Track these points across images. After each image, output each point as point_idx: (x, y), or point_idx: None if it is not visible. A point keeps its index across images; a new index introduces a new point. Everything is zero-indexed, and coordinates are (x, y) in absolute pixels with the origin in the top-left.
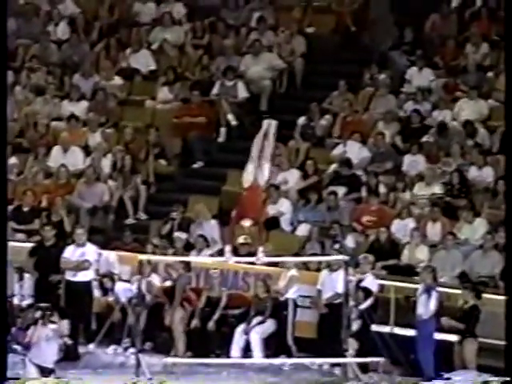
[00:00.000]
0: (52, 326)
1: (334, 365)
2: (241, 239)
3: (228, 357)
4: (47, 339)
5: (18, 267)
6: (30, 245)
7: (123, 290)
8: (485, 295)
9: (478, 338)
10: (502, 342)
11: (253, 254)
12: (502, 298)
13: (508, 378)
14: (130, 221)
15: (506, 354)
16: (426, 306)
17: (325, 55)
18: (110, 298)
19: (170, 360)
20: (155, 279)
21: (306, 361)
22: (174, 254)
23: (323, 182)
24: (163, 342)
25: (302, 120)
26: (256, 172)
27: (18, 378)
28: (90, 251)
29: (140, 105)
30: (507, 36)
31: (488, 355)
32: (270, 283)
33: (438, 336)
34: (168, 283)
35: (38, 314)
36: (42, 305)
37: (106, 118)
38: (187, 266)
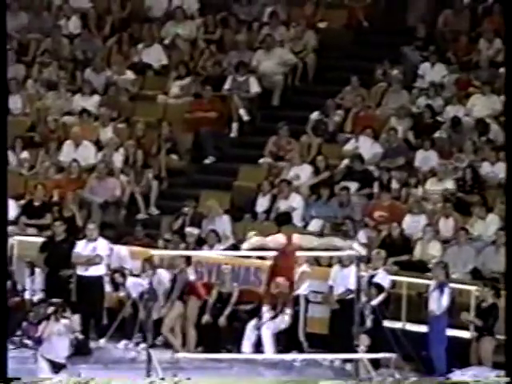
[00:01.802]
0: (64, 322)
1: (345, 361)
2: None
3: (239, 352)
4: (59, 334)
5: (28, 262)
6: (41, 239)
7: (134, 285)
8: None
9: (495, 336)
10: None
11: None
12: None
13: (508, 379)
14: (141, 216)
15: (507, 350)
16: (439, 302)
17: (337, 50)
18: (122, 293)
19: (180, 355)
20: (164, 274)
21: (318, 357)
22: (186, 249)
23: (335, 178)
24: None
25: (314, 115)
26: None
27: (18, 379)
28: (102, 246)
29: (152, 100)
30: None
31: (501, 351)
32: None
33: (450, 332)
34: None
35: (51, 309)
36: (55, 300)
37: (117, 112)
38: (188, 260)
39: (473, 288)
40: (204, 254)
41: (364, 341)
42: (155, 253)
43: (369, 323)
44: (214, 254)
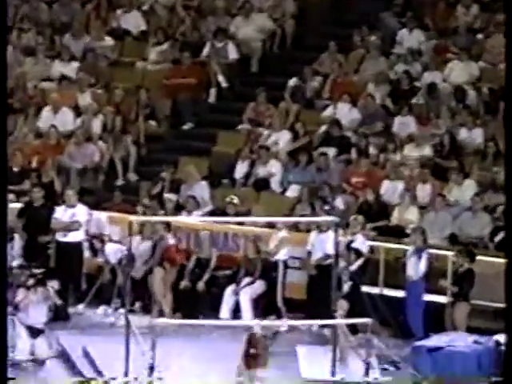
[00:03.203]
0: (42, 291)
1: (323, 326)
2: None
3: (217, 318)
4: (37, 303)
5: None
6: (19, 205)
7: (113, 251)
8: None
9: (470, 301)
10: (491, 304)
11: (240, 214)
12: (491, 259)
13: (500, 379)
14: (120, 182)
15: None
16: (416, 268)
17: (315, 17)
18: (100, 259)
19: (159, 321)
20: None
21: (297, 323)
22: (165, 215)
23: (313, 144)
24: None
25: (292, 81)
26: None
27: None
28: (81, 212)
29: (130, 66)
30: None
31: (476, 316)
32: (259, 244)
33: (428, 297)
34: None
35: (31, 281)
36: (36, 271)
37: (96, 78)
38: (168, 226)
39: (450, 253)
40: (183, 219)
41: (342, 306)
42: (134, 218)
43: (346, 288)
44: (192, 219)
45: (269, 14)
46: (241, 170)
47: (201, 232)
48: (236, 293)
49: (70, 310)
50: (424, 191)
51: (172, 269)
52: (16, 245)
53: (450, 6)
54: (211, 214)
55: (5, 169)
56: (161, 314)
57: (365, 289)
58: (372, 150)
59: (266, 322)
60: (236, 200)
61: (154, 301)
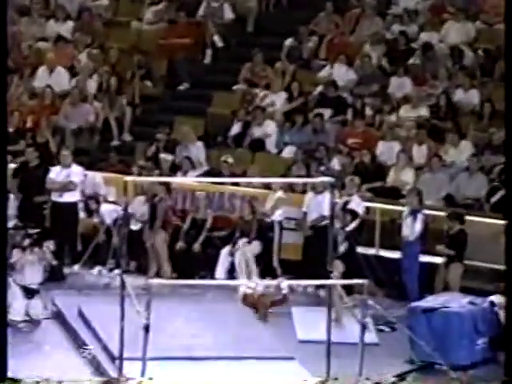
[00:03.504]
0: (38, 250)
1: (318, 287)
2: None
3: (213, 278)
4: (32, 263)
5: None
6: (14, 166)
7: (108, 212)
8: (470, 218)
9: (464, 262)
10: (487, 265)
11: (236, 175)
12: (487, 220)
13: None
14: (115, 142)
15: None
16: (412, 228)
17: None
18: (96, 220)
19: (154, 281)
20: (139, 201)
21: (293, 283)
22: (160, 176)
23: (309, 104)
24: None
25: (288, 42)
26: None
27: (16, 380)
28: (76, 172)
29: (126, 26)
30: None
31: (471, 277)
32: (255, 205)
33: (423, 258)
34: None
35: (27, 242)
36: (31, 232)
37: (91, 38)
38: (168, 188)
39: (446, 214)
40: (178, 180)
41: (338, 267)
42: (129, 179)
43: (342, 249)
44: (188, 180)
45: None
46: (236, 130)
47: (197, 192)
48: (232, 254)
49: (66, 270)
50: (420, 152)
51: (168, 230)
52: (11, 205)
53: None
54: (207, 174)
55: (5, 129)
56: (157, 274)
57: (360, 250)
58: (368, 111)
59: (261, 282)
60: (231, 160)
61: (152, 262)
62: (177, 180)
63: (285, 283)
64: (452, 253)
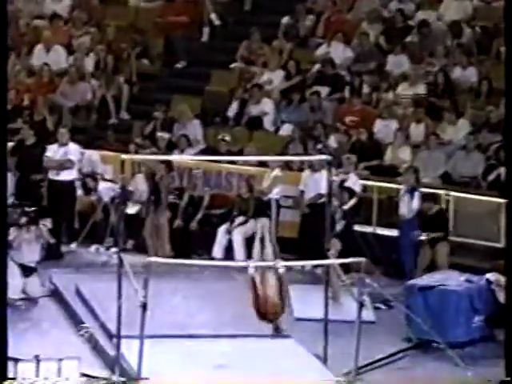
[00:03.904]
0: (35, 228)
1: (316, 265)
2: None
3: (210, 256)
4: (29, 242)
5: None
6: (11, 144)
7: (106, 190)
8: (467, 195)
9: (449, 239)
10: (483, 242)
11: (233, 153)
12: (484, 198)
13: (508, 379)
14: (112, 120)
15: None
16: (409, 206)
17: None
18: (93, 198)
19: (152, 259)
20: (139, 179)
21: (290, 263)
22: (157, 154)
23: (306, 82)
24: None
25: (285, 20)
26: None
27: (14, 379)
28: (73, 150)
29: (123, 3)
30: None
31: (467, 255)
32: (253, 183)
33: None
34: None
35: (24, 219)
36: (28, 209)
37: (88, 16)
38: (169, 166)
39: (443, 192)
40: (175, 158)
41: (335, 245)
42: (126, 157)
43: (339, 228)
44: (185, 158)
45: None
46: (234, 108)
47: (194, 170)
48: (229, 232)
49: (63, 248)
50: (417, 130)
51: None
52: (8, 183)
53: None
54: (204, 152)
55: (5, 107)
56: (155, 253)
57: (358, 228)
58: (365, 89)
59: (257, 264)
60: (228, 137)
61: (152, 240)
62: (174, 158)
63: (281, 263)
64: (439, 235)
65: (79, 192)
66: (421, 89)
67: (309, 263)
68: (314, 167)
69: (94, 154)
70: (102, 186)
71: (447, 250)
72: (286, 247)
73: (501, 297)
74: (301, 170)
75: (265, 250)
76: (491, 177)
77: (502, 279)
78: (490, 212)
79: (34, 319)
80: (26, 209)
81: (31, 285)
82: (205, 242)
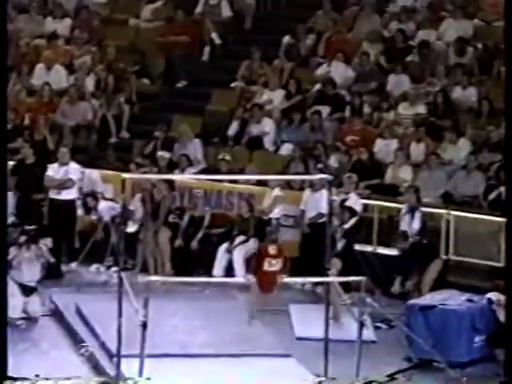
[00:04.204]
0: (35, 249)
1: (316, 284)
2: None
3: (210, 275)
4: (29, 261)
5: None
6: (11, 163)
7: (106, 209)
8: (468, 215)
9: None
10: (484, 262)
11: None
12: (485, 217)
13: (508, 378)
14: (113, 140)
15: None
16: (410, 226)
17: None
18: (94, 217)
19: (152, 278)
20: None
21: (290, 280)
22: (158, 173)
23: (307, 102)
24: (145, 260)
25: (286, 39)
26: None
27: (15, 378)
28: (74, 170)
29: (123, 23)
30: None
31: (468, 274)
32: (253, 203)
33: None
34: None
35: (23, 238)
36: (28, 228)
37: (89, 36)
38: (171, 186)
39: (444, 211)
40: (176, 177)
41: (336, 264)
42: (127, 176)
43: (340, 247)
44: (185, 177)
45: None
46: (234, 128)
47: (194, 190)
48: (229, 251)
49: (63, 267)
50: (418, 150)
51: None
52: (9, 203)
53: None
54: (204, 172)
55: (5, 127)
56: (155, 272)
57: (358, 247)
58: (366, 109)
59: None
60: (228, 157)
61: (152, 259)
62: (175, 177)
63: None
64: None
65: (80, 211)
66: (421, 108)
67: (309, 280)
68: (314, 186)
69: (94, 173)
70: (103, 205)
71: (439, 268)
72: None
73: (502, 316)
74: (301, 189)
75: None
76: (492, 196)
77: (503, 299)
78: (490, 232)
79: (33, 339)
80: (26, 227)
81: (31, 304)
82: (205, 261)
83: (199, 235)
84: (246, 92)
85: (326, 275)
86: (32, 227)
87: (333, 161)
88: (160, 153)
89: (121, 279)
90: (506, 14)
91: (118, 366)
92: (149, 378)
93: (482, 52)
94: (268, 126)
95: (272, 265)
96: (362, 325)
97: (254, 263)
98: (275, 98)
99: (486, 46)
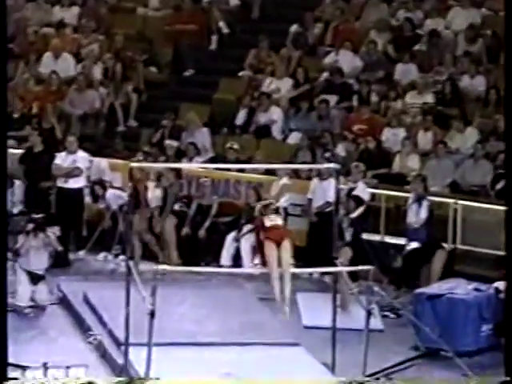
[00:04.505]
0: (42, 237)
1: (324, 273)
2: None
3: (218, 264)
4: (37, 249)
5: (8, 174)
6: (20, 151)
7: (114, 197)
8: (475, 204)
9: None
10: (491, 251)
11: (241, 162)
12: (492, 206)
13: (508, 378)
14: (120, 128)
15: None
16: (417, 215)
17: None
18: (101, 205)
19: (160, 267)
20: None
21: (297, 271)
22: (165, 162)
23: (315, 91)
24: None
25: (294, 28)
26: None
27: (16, 378)
28: (81, 158)
29: (131, 12)
30: None
31: (476, 263)
32: (261, 191)
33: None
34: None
35: (30, 226)
36: (35, 216)
37: (97, 24)
38: (178, 174)
39: (451, 201)
40: (183, 166)
41: (346, 254)
42: (134, 165)
43: (347, 236)
44: (193, 166)
45: None
46: (242, 117)
47: (202, 179)
48: (237, 239)
49: (71, 256)
50: (425, 139)
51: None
52: (17, 191)
53: None
54: (212, 160)
55: (5, 115)
56: (163, 260)
57: (366, 236)
58: (373, 98)
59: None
60: (236, 145)
61: (159, 248)
62: (182, 166)
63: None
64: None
65: (87, 200)
66: (429, 97)
67: (317, 270)
68: (322, 175)
69: (102, 162)
70: (111, 193)
71: (444, 259)
72: (294, 255)
73: None
74: (309, 178)
75: None
76: (499, 185)
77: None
78: (498, 221)
79: (41, 327)
80: (33, 215)
81: (39, 292)
82: (213, 249)
83: (207, 224)
84: (253, 81)
85: (334, 264)
86: (39, 215)
87: (340, 150)
88: (168, 141)
89: (129, 268)
90: (506, 12)
91: (125, 354)
92: (158, 378)
93: (491, 40)
94: (276, 114)
95: (272, 219)
96: (369, 314)
97: (256, 223)
98: (283, 86)
99: (495, 32)
